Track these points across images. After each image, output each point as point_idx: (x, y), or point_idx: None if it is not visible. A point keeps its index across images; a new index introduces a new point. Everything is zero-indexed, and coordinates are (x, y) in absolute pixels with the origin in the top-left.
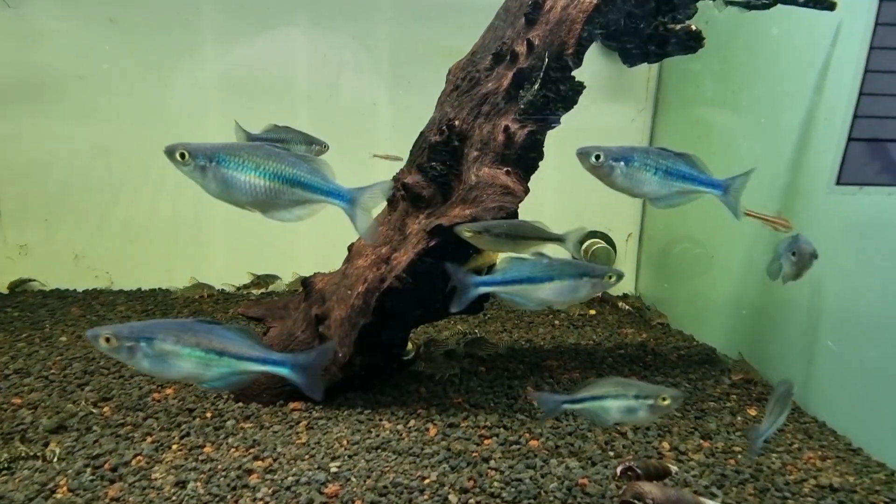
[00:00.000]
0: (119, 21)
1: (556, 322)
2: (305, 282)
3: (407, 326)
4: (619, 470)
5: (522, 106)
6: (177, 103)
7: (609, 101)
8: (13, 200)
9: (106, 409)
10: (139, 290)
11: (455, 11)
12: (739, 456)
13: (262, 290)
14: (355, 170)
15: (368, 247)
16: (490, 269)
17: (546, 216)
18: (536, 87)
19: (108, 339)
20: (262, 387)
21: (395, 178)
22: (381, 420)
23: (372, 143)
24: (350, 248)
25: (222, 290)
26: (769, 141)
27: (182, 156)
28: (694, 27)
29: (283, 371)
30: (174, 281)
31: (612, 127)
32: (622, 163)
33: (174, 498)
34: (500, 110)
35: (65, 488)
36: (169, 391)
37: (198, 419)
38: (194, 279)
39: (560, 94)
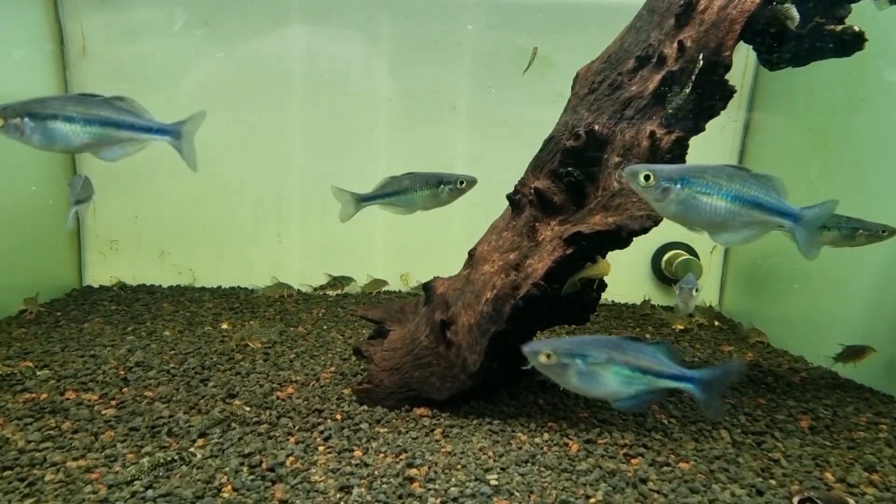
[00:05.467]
0: (213, 24)
1: (648, 336)
2: (427, 286)
3: (532, 334)
4: (796, 501)
5: (670, 111)
6: (262, 104)
7: None
8: (107, 197)
9: (236, 405)
10: (220, 287)
11: (537, 15)
12: None
13: (338, 292)
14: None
15: (494, 253)
16: (601, 280)
17: None
18: (687, 91)
19: (548, 356)
20: (387, 391)
21: (521, 184)
22: (514, 432)
23: (450, 146)
24: (471, 253)
25: (299, 290)
26: None
27: (647, 178)
28: (857, 27)
29: (688, 387)
30: (252, 280)
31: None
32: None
33: (342, 503)
34: (644, 115)
35: (229, 487)
36: (290, 390)
37: (330, 420)
38: (276, 279)
39: (711, 98)
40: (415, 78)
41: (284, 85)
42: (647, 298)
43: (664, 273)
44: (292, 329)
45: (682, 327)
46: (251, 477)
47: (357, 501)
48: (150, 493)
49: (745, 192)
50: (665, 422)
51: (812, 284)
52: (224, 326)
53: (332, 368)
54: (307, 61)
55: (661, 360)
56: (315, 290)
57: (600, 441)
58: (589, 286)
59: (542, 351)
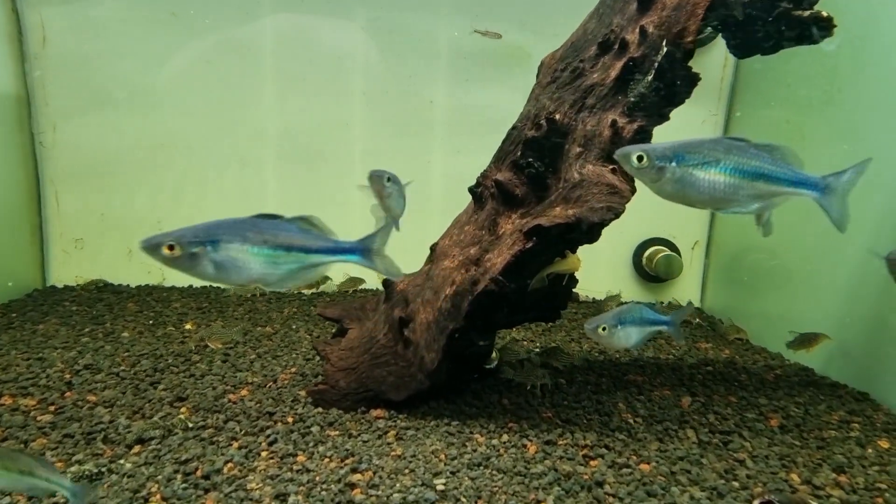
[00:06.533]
0: (180, 15)
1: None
2: (386, 282)
3: (494, 331)
4: (756, 503)
5: (633, 99)
6: (233, 99)
7: None
8: (71, 194)
9: (183, 409)
10: (190, 286)
11: (516, 8)
12: (888, 494)
13: (313, 290)
14: (413, 164)
15: (455, 248)
16: (571, 276)
17: None
18: (650, 78)
19: (171, 248)
20: (343, 392)
21: (483, 176)
22: (472, 433)
23: (429, 139)
24: (433, 248)
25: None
26: (883, 140)
27: (640, 158)
28: (825, 13)
29: (354, 259)
30: None
31: (677, 128)
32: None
33: None
34: (606, 103)
35: (158, 496)
36: (244, 392)
37: (280, 424)
38: None
39: (675, 86)
40: (391, 71)
41: (257, 79)
42: (614, 294)
43: (645, 269)
44: (259, 328)
45: None
46: (184, 485)
47: None
48: None
49: (745, 164)
50: (631, 421)
51: (792, 281)
52: (188, 327)
53: (293, 369)
54: (280, 54)
55: (308, 235)
56: (289, 288)
57: (560, 442)
58: (558, 282)
59: (163, 243)
